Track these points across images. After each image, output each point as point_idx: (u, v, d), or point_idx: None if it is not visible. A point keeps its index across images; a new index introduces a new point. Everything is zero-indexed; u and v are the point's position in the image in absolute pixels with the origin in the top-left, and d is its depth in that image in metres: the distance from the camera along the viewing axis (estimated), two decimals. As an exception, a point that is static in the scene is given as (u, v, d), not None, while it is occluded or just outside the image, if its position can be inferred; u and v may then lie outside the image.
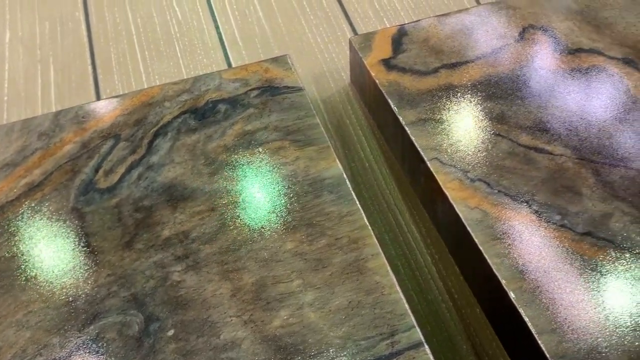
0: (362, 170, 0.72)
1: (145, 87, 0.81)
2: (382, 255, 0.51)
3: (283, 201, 0.56)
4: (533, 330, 0.45)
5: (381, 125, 0.73)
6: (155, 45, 0.86)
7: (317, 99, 0.79)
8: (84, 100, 0.80)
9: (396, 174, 0.71)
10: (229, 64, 0.83)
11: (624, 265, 0.49)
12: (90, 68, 0.84)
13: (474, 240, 0.52)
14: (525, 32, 0.72)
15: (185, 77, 0.82)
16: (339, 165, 0.59)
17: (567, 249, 0.50)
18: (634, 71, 0.65)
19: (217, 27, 0.88)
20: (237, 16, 0.89)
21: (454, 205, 0.55)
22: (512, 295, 0.47)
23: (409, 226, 0.67)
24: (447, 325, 0.60)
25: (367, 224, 0.53)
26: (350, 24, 0.88)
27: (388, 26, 0.87)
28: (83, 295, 0.51)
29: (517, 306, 0.47)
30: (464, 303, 0.61)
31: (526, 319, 0.46)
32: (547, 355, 0.44)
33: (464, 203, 0.55)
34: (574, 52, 0.68)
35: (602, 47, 0.68)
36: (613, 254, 0.49)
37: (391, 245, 0.66)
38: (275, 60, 0.72)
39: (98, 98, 0.81)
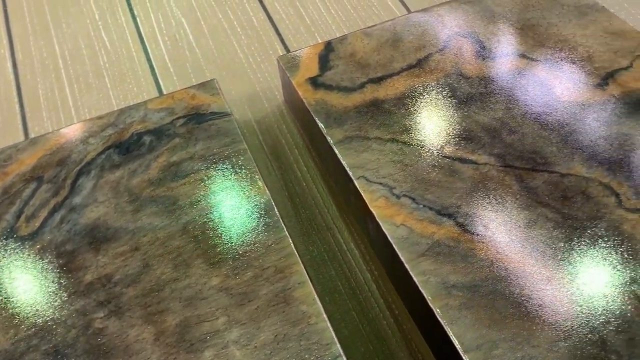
0: (300, 190, 0.72)
1: (75, 122, 0.79)
2: (309, 282, 0.50)
3: (209, 234, 0.55)
4: (459, 348, 0.45)
5: (314, 143, 0.73)
6: (84, 78, 0.84)
7: (252, 120, 0.78)
8: (11, 141, 0.77)
9: (333, 191, 0.71)
10: (160, 91, 0.82)
11: (547, 273, 0.49)
12: (17, 106, 0.82)
13: (400, 259, 0.51)
14: (451, 40, 0.72)
15: (115, 109, 0.80)
16: (267, 191, 0.58)
17: (493, 261, 0.50)
18: (557, 71, 0.66)
19: (147, 54, 0.87)
20: (167, 41, 0.88)
21: (381, 224, 0.54)
22: (437, 313, 0.47)
23: (348, 244, 0.67)
24: (389, 342, 0.59)
25: (295, 251, 0.53)
26: (282, 42, 0.87)
27: (320, 41, 0.87)
28: (2, 352, 0.49)
29: (443, 324, 0.46)
30: (404, 319, 0.60)
31: (452, 337, 0.45)
32: (475, 372, 0.44)
33: (390, 221, 0.54)
34: (497, 56, 0.69)
35: (525, 50, 0.69)
36: (537, 262, 0.49)
37: (331, 265, 0.65)
38: (202, 85, 0.71)
39: (26, 137, 0.78)
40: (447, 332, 0.46)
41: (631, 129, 0.59)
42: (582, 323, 0.45)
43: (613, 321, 0.45)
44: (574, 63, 0.66)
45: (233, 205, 0.57)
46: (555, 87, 0.64)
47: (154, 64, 0.85)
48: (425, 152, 0.60)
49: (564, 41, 0.69)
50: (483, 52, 0.69)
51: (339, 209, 0.69)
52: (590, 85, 0.63)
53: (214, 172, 0.61)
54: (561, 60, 0.67)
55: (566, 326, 0.45)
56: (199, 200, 0.58)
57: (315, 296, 0.49)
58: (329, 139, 0.63)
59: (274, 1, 0.92)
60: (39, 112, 0.81)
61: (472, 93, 0.65)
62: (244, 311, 0.49)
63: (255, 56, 0.85)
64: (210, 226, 0.56)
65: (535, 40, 0.70)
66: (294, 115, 0.77)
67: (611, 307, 0.46)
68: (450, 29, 0.73)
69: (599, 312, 0.46)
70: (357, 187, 0.58)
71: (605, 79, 0.64)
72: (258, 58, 0.85)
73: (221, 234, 0.55)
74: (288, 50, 0.86)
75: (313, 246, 0.67)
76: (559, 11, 0.73)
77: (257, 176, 0.60)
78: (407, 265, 0.51)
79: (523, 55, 0.68)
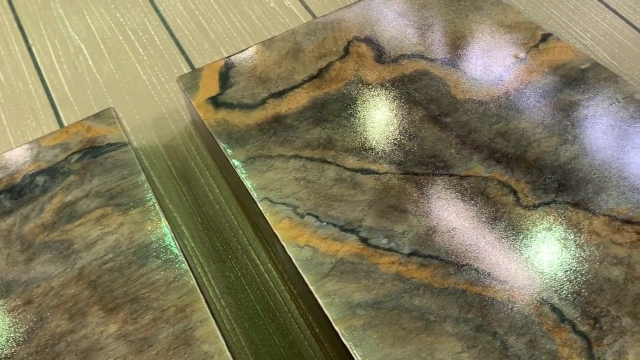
0: (214, 213, 0.69)
1: (-32, 165, 0.74)
2: (212, 319, 0.48)
3: (106, 278, 0.52)
4: (364, 371, 0.44)
5: (221, 164, 0.71)
6: (-22, 116, 0.79)
7: (159, 145, 0.75)
8: None
9: (248, 212, 0.69)
10: (61, 124, 0.78)
11: (451, 280, 0.48)
12: None
13: (304, 281, 0.50)
14: (350, 46, 0.71)
15: (13, 147, 0.76)
16: (165, 224, 0.56)
17: (395, 275, 0.49)
18: (454, 70, 0.66)
19: (45, 85, 0.82)
20: (66, 69, 0.84)
21: (285, 246, 0.53)
22: (342, 334, 0.46)
23: (265, 265, 0.65)
24: (312, 363, 0.58)
25: (196, 286, 0.50)
26: (187, 59, 0.84)
27: (226, 55, 0.84)
28: None
29: (348, 346, 0.45)
30: (325, 337, 0.59)
31: (357, 358, 0.44)
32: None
33: (294, 243, 0.53)
34: (396, 59, 0.68)
35: (423, 50, 0.69)
36: (439, 271, 0.49)
37: (249, 289, 0.64)
38: (98, 116, 0.68)
39: None
40: (352, 354, 0.45)
41: (526, 123, 0.59)
42: (484, 330, 0.45)
43: (514, 324, 0.45)
44: (470, 60, 0.66)
45: (131, 242, 0.55)
46: (452, 87, 0.64)
47: (52, 95, 0.81)
48: (328, 167, 0.58)
49: (461, 38, 0.69)
50: (382, 57, 0.69)
51: (255, 229, 0.68)
52: (486, 81, 0.64)
53: (111, 209, 0.58)
54: (458, 58, 0.67)
55: (469, 336, 0.45)
56: (94, 242, 0.55)
57: (218, 333, 0.47)
58: (231, 161, 0.61)
59: (176, 18, 0.89)
60: None
61: (372, 100, 0.64)
62: (143, 358, 0.46)
63: (159, 77, 0.82)
64: (107, 268, 0.53)
65: (433, 39, 0.70)
66: (200, 136, 0.75)
67: (512, 310, 0.46)
68: (350, 34, 0.72)
69: (501, 317, 0.46)
70: (261, 209, 0.56)
71: (500, 72, 0.64)
72: (162, 78, 0.82)
73: (118, 276, 0.52)
74: (193, 68, 0.83)
75: (230, 272, 0.65)
76: (456, 7, 0.73)
77: (156, 208, 0.57)
78: (311, 287, 0.49)
79: (421, 56, 0.68)
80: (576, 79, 0.62)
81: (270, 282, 0.64)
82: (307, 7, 0.89)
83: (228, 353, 0.46)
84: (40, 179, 0.62)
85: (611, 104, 0.59)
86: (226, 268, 0.65)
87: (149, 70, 0.83)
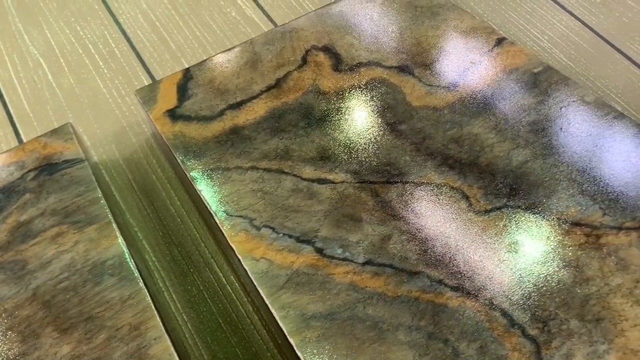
0: (175, 226, 0.69)
1: None
2: (166, 336, 0.48)
3: (60, 298, 0.52)
4: (318, 383, 0.44)
5: (181, 177, 0.70)
6: None
7: (119, 159, 0.75)
8: None
9: (208, 224, 0.69)
10: (20, 140, 0.77)
11: (403, 288, 0.49)
12: None
13: (260, 294, 0.50)
14: (308, 55, 0.71)
15: (-29, 165, 0.74)
16: (121, 241, 0.56)
17: (349, 285, 0.49)
18: (409, 77, 0.66)
19: (3, 102, 0.81)
20: (25, 84, 0.83)
21: (241, 260, 0.52)
22: (295, 346, 0.46)
23: (227, 277, 0.65)
24: (275, 375, 0.58)
25: (151, 304, 0.50)
26: (148, 71, 0.84)
27: (187, 66, 0.84)
28: None
29: (301, 358, 0.45)
30: (286, 348, 0.59)
31: (311, 372, 0.45)
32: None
33: (250, 255, 0.53)
34: (353, 68, 0.68)
35: (380, 58, 0.69)
36: (392, 279, 0.49)
37: (211, 302, 0.63)
38: (55, 132, 0.67)
39: None
40: (307, 367, 0.45)
41: (479, 129, 0.60)
42: (436, 338, 0.46)
43: (465, 331, 0.46)
44: (426, 67, 0.67)
45: (86, 261, 0.54)
46: (408, 94, 0.64)
47: (11, 111, 0.80)
48: (285, 177, 0.58)
49: (417, 45, 0.70)
50: (339, 66, 0.69)
51: (216, 241, 0.67)
52: (441, 87, 0.64)
53: (66, 227, 0.57)
54: (414, 65, 0.67)
55: (421, 344, 0.45)
56: (49, 261, 0.55)
57: (172, 350, 0.47)
58: (188, 174, 0.61)
59: (137, 29, 0.88)
60: None
61: (329, 110, 0.64)
62: (97, 378, 0.46)
63: (119, 90, 0.82)
64: (62, 288, 0.52)
65: (390, 46, 0.70)
66: (160, 149, 0.75)
67: (463, 317, 0.47)
68: (308, 43, 0.72)
69: (452, 324, 0.46)
70: (217, 222, 0.56)
71: (455, 78, 0.65)
72: (122, 91, 0.81)
73: (73, 295, 0.52)
74: (154, 80, 0.83)
75: (192, 285, 0.65)
76: (412, 14, 0.74)
77: (112, 225, 0.57)
78: (267, 300, 0.49)
79: (378, 64, 0.68)
80: (528, 82, 0.63)
81: (233, 295, 0.64)
82: (268, 16, 0.89)
83: (176, 356, 0.46)
84: (-6, 198, 0.61)
85: (562, 107, 0.60)
86: (188, 282, 0.65)
87: (110, 83, 0.82)
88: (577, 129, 0.58)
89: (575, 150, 0.56)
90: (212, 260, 0.66)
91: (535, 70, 0.64)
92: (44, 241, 0.56)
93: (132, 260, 0.54)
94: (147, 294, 0.51)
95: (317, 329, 0.47)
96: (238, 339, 0.61)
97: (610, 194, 0.52)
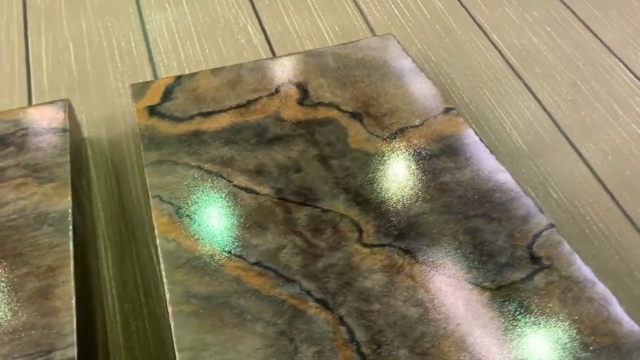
0: (131, 206, 0.79)
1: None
2: (72, 282, 0.57)
3: (4, 233, 0.61)
4: (175, 346, 0.51)
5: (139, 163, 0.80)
6: (-36, 86, 0.92)
7: (104, 139, 0.86)
8: None
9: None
10: (30, 104, 0.89)
11: (277, 290, 0.56)
12: None
13: (161, 268, 0.58)
14: (282, 87, 0.81)
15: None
16: (69, 201, 0.65)
17: (235, 278, 0.57)
18: (357, 123, 0.74)
19: (27, 72, 0.94)
20: (50, 61, 0.96)
21: (157, 237, 0.61)
22: (170, 314, 0.54)
23: (158, 257, 0.73)
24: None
25: (71, 254, 0.59)
26: (154, 72, 0.95)
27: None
28: None
29: (171, 325, 0.53)
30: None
31: (173, 336, 0.52)
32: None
33: (165, 236, 0.61)
34: (315, 105, 0.77)
35: (340, 102, 0.78)
36: (271, 281, 0.57)
37: (138, 277, 0.72)
38: (53, 103, 0.79)
39: None
40: (172, 332, 0.52)
41: (395, 177, 0.67)
42: (285, 335, 0.52)
43: (311, 336, 0.52)
44: (374, 118, 0.75)
45: (35, 209, 0.64)
46: (350, 136, 0.72)
47: (32, 82, 0.93)
48: (220, 180, 0.67)
49: (375, 98, 0.78)
50: (304, 101, 0.78)
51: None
52: (379, 136, 0.72)
53: (30, 180, 0.67)
54: (365, 113, 0.76)
55: (271, 337, 0.52)
56: (7, 203, 0.65)
57: (73, 295, 0.55)
58: (143, 160, 0.70)
59: (157, 36, 1.01)
60: None
61: (280, 134, 0.73)
62: (6, 300, 0.55)
63: (125, 82, 0.93)
64: (8, 225, 0.62)
65: (352, 94, 0.79)
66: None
67: (314, 324, 0.53)
68: (285, 77, 0.82)
69: (302, 328, 0.53)
70: (151, 204, 0.65)
71: (395, 133, 0.73)
72: (127, 84, 0.93)
73: (14, 233, 0.61)
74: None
75: (128, 258, 0.74)
76: (384, 71, 0.83)
77: (67, 188, 0.67)
78: (163, 274, 0.58)
79: (336, 106, 0.77)
80: (454, 150, 0.70)
81: (158, 272, 0.72)
82: (271, 48, 1.00)
83: (74, 311, 0.54)
84: (-14, 144, 0.72)
85: (473, 177, 0.67)
86: (125, 255, 0.74)
87: (119, 76, 0.94)
88: (477, 197, 0.64)
89: (469, 214, 0.63)
90: (150, 240, 0.75)
91: (465, 141, 0.71)
92: (9, 186, 0.67)
93: (71, 218, 0.63)
94: (71, 246, 0.60)
95: (193, 306, 0.55)
96: (149, 311, 0.69)
97: (483, 257, 0.59)
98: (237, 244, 0.60)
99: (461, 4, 1.10)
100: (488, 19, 1.07)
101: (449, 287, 0.56)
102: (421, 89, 0.80)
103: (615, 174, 0.84)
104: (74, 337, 0.52)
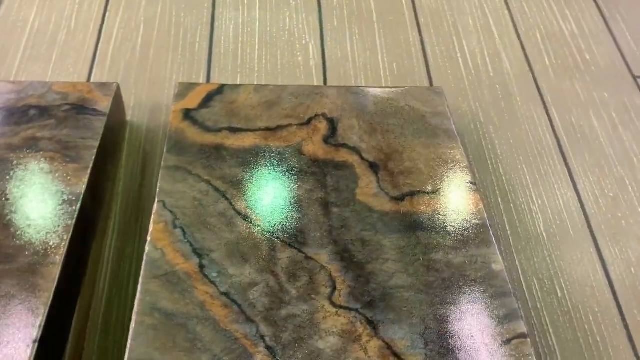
0: (147, 195, 0.83)
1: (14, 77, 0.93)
2: (59, 265, 0.61)
3: (14, 196, 0.67)
4: (126, 356, 0.55)
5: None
6: (38, 48, 0.99)
7: (144, 126, 0.91)
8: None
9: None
10: (89, 79, 0.96)
11: (234, 326, 0.58)
12: (-24, 50, 0.97)
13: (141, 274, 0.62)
14: (314, 119, 0.82)
15: (48, 79, 0.94)
16: (83, 185, 0.70)
17: (201, 303, 0.59)
18: (371, 175, 0.74)
19: (96, 45, 1.01)
20: (119, 39, 1.02)
21: (147, 242, 0.65)
22: (132, 323, 0.57)
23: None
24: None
25: (67, 237, 0.64)
26: (208, 73, 0.99)
27: (239, 80, 0.98)
28: None
29: (130, 335, 0.56)
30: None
31: (128, 346, 0.55)
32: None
33: (154, 243, 0.65)
34: (338, 145, 0.78)
35: (364, 148, 0.78)
36: (233, 316, 0.59)
37: (134, 265, 0.76)
38: (102, 85, 0.84)
39: (-32, 77, 0.93)
40: (128, 341, 0.56)
41: (388, 243, 0.67)
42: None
43: None
44: (391, 174, 0.75)
45: (52, 184, 0.69)
46: (360, 187, 0.73)
47: (97, 56, 0.99)
48: (223, 201, 0.70)
49: (400, 152, 0.78)
50: (330, 139, 0.79)
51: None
52: (388, 194, 0.72)
53: (58, 156, 0.73)
54: (383, 167, 0.75)
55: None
56: (29, 172, 0.70)
57: (57, 275, 0.60)
58: (163, 161, 0.74)
59: (222, 36, 1.04)
60: None
61: (294, 168, 0.75)
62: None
63: (179, 75, 0.98)
64: (21, 195, 0.68)
65: (378, 143, 0.79)
66: (173, 135, 0.89)
67: (259, 371, 0.55)
68: (321, 109, 0.83)
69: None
70: (153, 208, 0.69)
71: (404, 194, 0.72)
72: (181, 79, 0.97)
73: (27, 202, 0.67)
74: (208, 81, 0.98)
75: (131, 245, 0.78)
76: (417, 126, 0.82)
77: (87, 171, 0.72)
78: (140, 280, 0.61)
79: (358, 152, 0.77)
80: (456, 227, 0.69)
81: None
82: (325, 72, 1.01)
83: (54, 284, 0.59)
84: (32, 112, 0.78)
85: (465, 262, 0.65)
86: (128, 242, 0.79)
87: (175, 67, 0.99)
88: (461, 284, 0.63)
89: (446, 300, 0.62)
90: (156, 236, 0.79)
91: (473, 221, 0.70)
92: (37, 158, 0.72)
93: (81, 202, 0.68)
94: (71, 229, 0.65)
95: (154, 319, 0.58)
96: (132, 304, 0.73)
97: (442, 350, 0.58)
98: (215, 268, 0.63)
99: (530, 68, 1.06)
100: (552, 90, 1.03)
101: (397, 370, 0.56)
102: (449, 155, 0.78)
103: (632, 289, 0.79)
104: (43, 319, 0.56)
